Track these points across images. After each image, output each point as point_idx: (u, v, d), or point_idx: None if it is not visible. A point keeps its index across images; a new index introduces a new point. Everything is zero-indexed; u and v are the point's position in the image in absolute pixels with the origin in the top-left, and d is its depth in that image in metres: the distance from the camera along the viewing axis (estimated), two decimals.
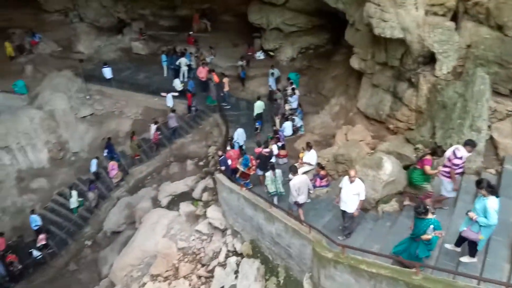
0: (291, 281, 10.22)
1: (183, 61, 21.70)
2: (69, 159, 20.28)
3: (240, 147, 15.15)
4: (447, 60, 11.91)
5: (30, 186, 18.90)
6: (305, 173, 13.17)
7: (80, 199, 17.82)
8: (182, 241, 13.45)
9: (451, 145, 10.50)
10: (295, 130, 17.01)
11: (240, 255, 11.98)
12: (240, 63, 21.42)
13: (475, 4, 11.50)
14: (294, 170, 10.40)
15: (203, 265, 12.62)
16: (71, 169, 19.84)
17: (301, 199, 10.19)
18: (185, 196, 15.77)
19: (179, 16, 28.53)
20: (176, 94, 20.47)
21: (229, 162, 13.25)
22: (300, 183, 10.06)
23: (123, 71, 23.44)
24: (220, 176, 12.89)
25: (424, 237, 7.34)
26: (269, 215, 10.49)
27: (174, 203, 15.71)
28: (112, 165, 18.08)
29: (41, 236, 16.62)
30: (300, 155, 13.67)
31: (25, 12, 28.99)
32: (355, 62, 15.58)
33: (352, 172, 8.99)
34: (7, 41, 23.77)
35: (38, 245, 16.51)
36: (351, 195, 9.06)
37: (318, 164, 12.69)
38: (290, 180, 10.15)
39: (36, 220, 16.92)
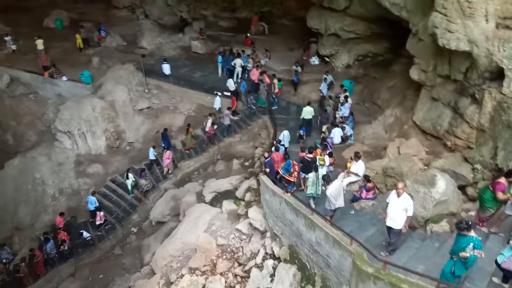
0: None
1: (238, 62, 22.05)
2: (124, 148, 21.37)
3: (285, 149, 15.08)
4: None
5: (86, 170, 20.15)
6: (351, 183, 12.92)
7: (134, 180, 18.70)
8: (222, 238, 13.64)
9: None
10: (345, 138, 16.62)
11: (278, 259, 11.93)
12: (294, 67, 21.37)
13: None
14: (327, 180, 10.58)
15: (240, 264, 12.72)
16: (125, 158, 20.88)
17: (340, 203, 10.45)
18: (229, 194, 15.98)
19: (238, 18, 29.09)
20: (229, 94, 20.87)
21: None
22: (335, 190, 10.27)
23: (181, 68, 24.25)
24: (264, 178, 12.91)
25: (462, 254, 7.00)
26: (310, 222, 10.35)
27: (217, 200, 15.98)
28: (169, 154, 18.79)
29: (101, 214, 17.72)
30: (348, 164, 13.36)
31: (96, 7, 31.14)
32: (415, 73, 14.95)
33: (400, 185, 8.64)
34: (77, 33, 25.46)
35: (97, 222, 17.62)
36: (399, 210, 8.69)
37: (365, 176, 12.31)
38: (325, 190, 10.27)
39: (94, 201, 17.97)
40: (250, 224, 13.52)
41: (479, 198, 9.08)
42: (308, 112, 17.13)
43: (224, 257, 13.14)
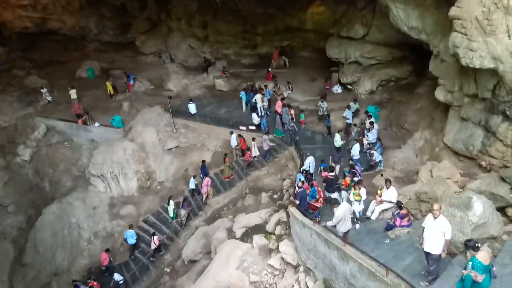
0: None
1: (258, 97, 22.38)
2: (155, 188, 21.76)
3: (311, 175, 14.91)
4: None
5: (120, 212, 20.59)
6: (383, 211, 12.54)
7: (174, 208, 19.13)
8: (254, 275, 13.37)
9: None
10: (374, 165, 16.29)
11: None
12: (320, 103, 21.07)
13: None
14: (335, 203, 10.88)
15: None
16: (156, 197, 21.22)
17: (345, 228, 10.54)
18: (259, 228, 15.80)
19: (259, 54, 29.87)
20: (254, 127, 21.16)
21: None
22: (343, 213, 10.40)
23: (206, 107, 24.90)
24: (293, 210, 12.73)
25: (463, 271, 7.21)
26: (342, 253, 10.02)
27: (247, 235, 15.82)
28: (207, 181, 19.21)
29: (155, 238, 17.93)
30: (378, 192, 12.98)
31: (125, 55, 32.94)
32: (440, 94, 14.69)
33: (435, 206, 8.30)
34: (107, 80, 26.86)
35: (152, 247, 17.90)
36: (436, 233, 8.28)
37: (398, 202, 11.90)
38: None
39: (133, 234, 18.34)
40: (282, 258, 13.23)
41: None
42: (337, 139, 17.43)
43: None
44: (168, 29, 31.66)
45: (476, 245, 7.20)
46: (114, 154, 21.07)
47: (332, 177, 13.38)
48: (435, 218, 8.26)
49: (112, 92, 26.81)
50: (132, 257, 18.52)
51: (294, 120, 20.29)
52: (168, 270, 18.12)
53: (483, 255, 7.11)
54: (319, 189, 13.28)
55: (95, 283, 16.48)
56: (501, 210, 10.59)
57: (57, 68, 31.01)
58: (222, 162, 20.48)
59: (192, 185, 19.91)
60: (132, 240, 18.26)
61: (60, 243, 19.67)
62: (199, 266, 16.64)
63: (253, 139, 19.74)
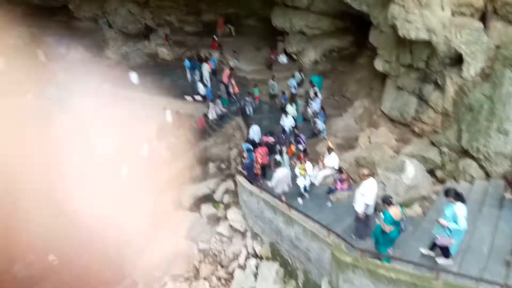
0: (309, 284, 10.12)
1: (205, 66, 21.94)
2: None
3: (254, 144, 15.20)
4: (475, 62, 11.51)
5: None
6: (326, 177, 13.11)
7: None
8: (203, 243, 13.58)
9: (477, 149, 10.20)
10: (317, 133, 16.87)
11: (260, 257, 11.98)
12: (271, 82, 20.61)
13: (505, 4, 11.11)
14: (278, 165, 12.00)
15: (223, 267, 12.70)
16: None
17: (281, 189, 11.49)
18: (207, 198, 15.89)
19: (204, 22, 28.99)
20: (200, 98, 20.80)
21: (259, 159, 13.52)
22: (281, 176, 11.37)
23: (149, 76, 23.97)
24: (240, 179, 12.95)
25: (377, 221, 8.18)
26: (288, 218, 10.44)
27: (196, 205, 15.87)
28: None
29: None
30: (321, 158, 13.53)
31: (57, 19, 30.32)
32: (379, 64, 15.34)
33: (364, 171, 9.16)
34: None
35: None
36: (358, 194, 9.09)
37: (339, 168, 12.52)
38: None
39: None
40: (231, 226, 13.53)
41: None
42: (290, 110, 17.72)
43: (207, 261, 13.09)
44: None
45: (390, 199, 7.94)
46: None
47: (272, 143, 14.57)
48: (363, 181, 8.92)
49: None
50: None
51: (237, 91, 20.17)
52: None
53: (394, 211, 7.86)
54: (257, 157, 13.47)
55: None
56: (431, 172, 11.54)
57: None
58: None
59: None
60: None
61: None
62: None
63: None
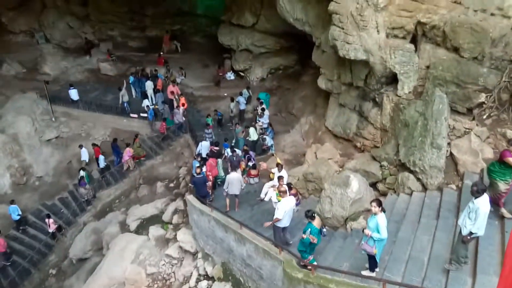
0: None
1: (149, 84, 21.49)
2: (33, 184, 19.51)
3: (204, 159, 15.08)
4: (408, 81, 12.39)
5: None
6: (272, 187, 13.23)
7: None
8: (151, 267, 13.08)
9: (414, 163, 10.89)
10: (266, 149, 17.10)
11: (212, 278, 11.77)
12: (231, 104, 19.72)
13: (432, 28, 12.10)
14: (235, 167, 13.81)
15: None
16: (34, 194, 19.06)
17: (232, 191, 12.37)
18: (155, 219, 15.39)
19: (149, 37, 28.60)
20: (146, 115, 20.31)
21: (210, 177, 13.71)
22: (231, 179, 12.25)
23: (91, 92, 23.04)
24: (190, 198, 12.72)
25: (303, 234, 8.46)
26: (239, 236, 10.40)
27: (143, 227, 15.30)
28: (128, 151, 18.43)
29: (51, 221, 16.56)
30: (271, 175, 13.69)
31: None
32: (322, 83, 15.99)
33: (280, 188, 10.39)
34: None
35: (50, 230, 16.67)
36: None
37: (288, 184, 12.72)
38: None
39: (16, 209, 16.91)
40: (180, 247, 13.18)
41: (489, 176, 8.52)
42: (252, 133, 17.14)
43: (156, 286, 12.60)
44: (41, 5, 28.13)
45: (313, 214, 8.56)
46: None
47: (215, 150, 15.74)
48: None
49: None
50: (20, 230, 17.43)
51: (186, 106, 19.86)
52: (53, 271, 16.53)
53: (317, 222, 8.57)
54: (207, 175, 13.54)
55: None
56: (373, 185, 12.12)
57: None
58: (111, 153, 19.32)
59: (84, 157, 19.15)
60: (14, 216, 16.94)
61: None
62: (90, 264, 15.60)
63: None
